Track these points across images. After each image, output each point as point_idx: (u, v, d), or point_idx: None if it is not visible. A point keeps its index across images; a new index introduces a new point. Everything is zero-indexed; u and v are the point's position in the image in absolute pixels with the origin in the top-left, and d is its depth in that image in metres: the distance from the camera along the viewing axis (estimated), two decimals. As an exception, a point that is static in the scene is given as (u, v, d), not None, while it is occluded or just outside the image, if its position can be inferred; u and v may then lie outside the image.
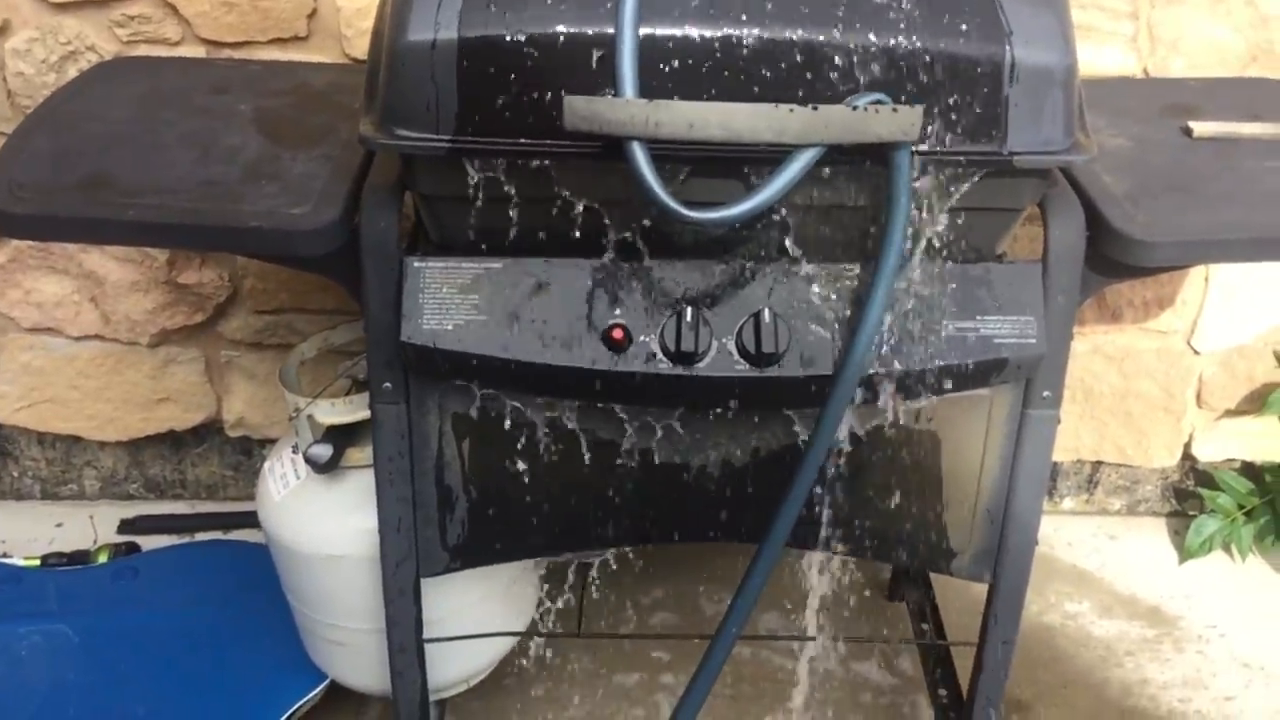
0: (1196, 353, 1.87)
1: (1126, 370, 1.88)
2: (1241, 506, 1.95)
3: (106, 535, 1.92)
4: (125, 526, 1.94)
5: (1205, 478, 2.00)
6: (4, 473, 2.00)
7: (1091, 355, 1.87)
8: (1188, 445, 1.97)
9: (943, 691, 1.62)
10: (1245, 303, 1.83)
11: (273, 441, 1.94)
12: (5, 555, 1.86)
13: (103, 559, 1.82)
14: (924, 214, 1.13)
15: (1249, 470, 1.99)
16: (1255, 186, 1.25)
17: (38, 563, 1.82)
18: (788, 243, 1.15)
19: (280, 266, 1.73)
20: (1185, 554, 1.95)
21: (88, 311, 1.81)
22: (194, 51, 1.61)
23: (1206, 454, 1.98)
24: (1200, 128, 1.35)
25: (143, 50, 1.61)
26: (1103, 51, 1.63)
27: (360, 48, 1.61)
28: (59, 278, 1.78)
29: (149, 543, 1.89)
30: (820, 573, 1.53)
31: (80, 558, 1.83)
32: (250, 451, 1.98)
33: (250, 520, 1.92)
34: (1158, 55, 1.64)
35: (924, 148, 1.07)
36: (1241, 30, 1.63)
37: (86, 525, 1.95)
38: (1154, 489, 2.05)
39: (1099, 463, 2.01)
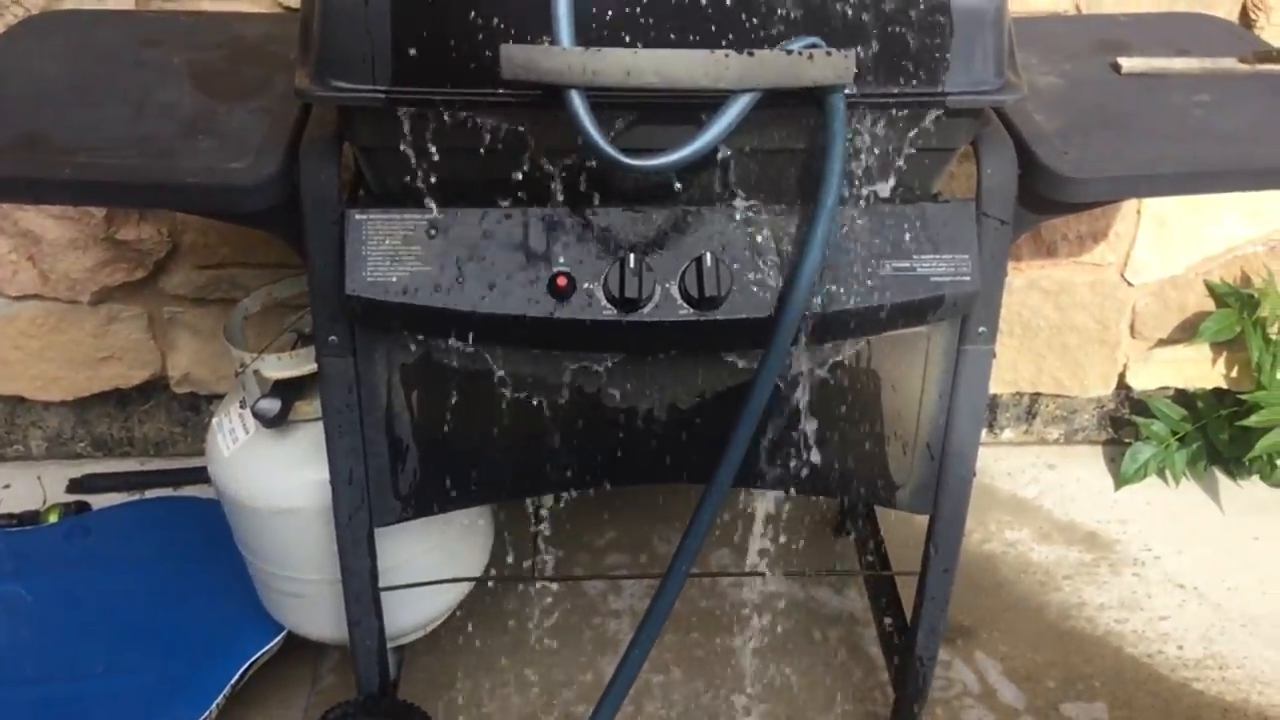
0: (1130, 285, 1.92)
1: (1062, 304, 1.93)
2: (1175, 433, 2.01)
3: (56, 495, 1.92)
4: (74, 486, 1.93)
5: (1140, 406, 2.06)
6: (-53, 436, 1.98)
7: (1028, 290, 1.91)
8: (1122, 375, 2.03)
9: (888, 620, 1.67)
10: (1177, 234, 1.87)
11: (220, 397, 1.93)
12: (-48, 520, 1.85)
13: (53, 519, 1.82)
14: (861, 155, 1.15)
15: (1182, 398, 2.05)
16: (1182, 121, 1.28)
17: (-13, 525, 1.82)
18: (730, 188, 1.17)
19: (221, 222, 1.73)
20: (1121, 480, 2.01)
21: (25, 270, 1.78)
22: (123, 4, 1.58)
23: (1141, 383, 2.03)
24: (1129, 64, 1.37)
25: (70, 4, 1.58)
26: (1034, -11, 1.65)
27: (295, -4, 1.60)
28: (-5, 237, 1.76)
29: (99, 501, 1.89)
30: (768, 509, 1.57)
31: (30, 518, 1.83)
32: (198, 407, 1.98)
33: (201, 476, 1.92)
34: (1090, -9, 1.67)
35: (860, 90, 1.09)
36: (1171, -34, 1.66)
37: (35, 486, 1.94)
38: (1091, 418, 2.10)
39: (1037, 394, 2.06)
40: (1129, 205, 1.84)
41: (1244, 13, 1.70)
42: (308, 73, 1.10)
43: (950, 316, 1.26)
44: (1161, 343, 1.99)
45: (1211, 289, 1.92)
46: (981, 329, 1.28)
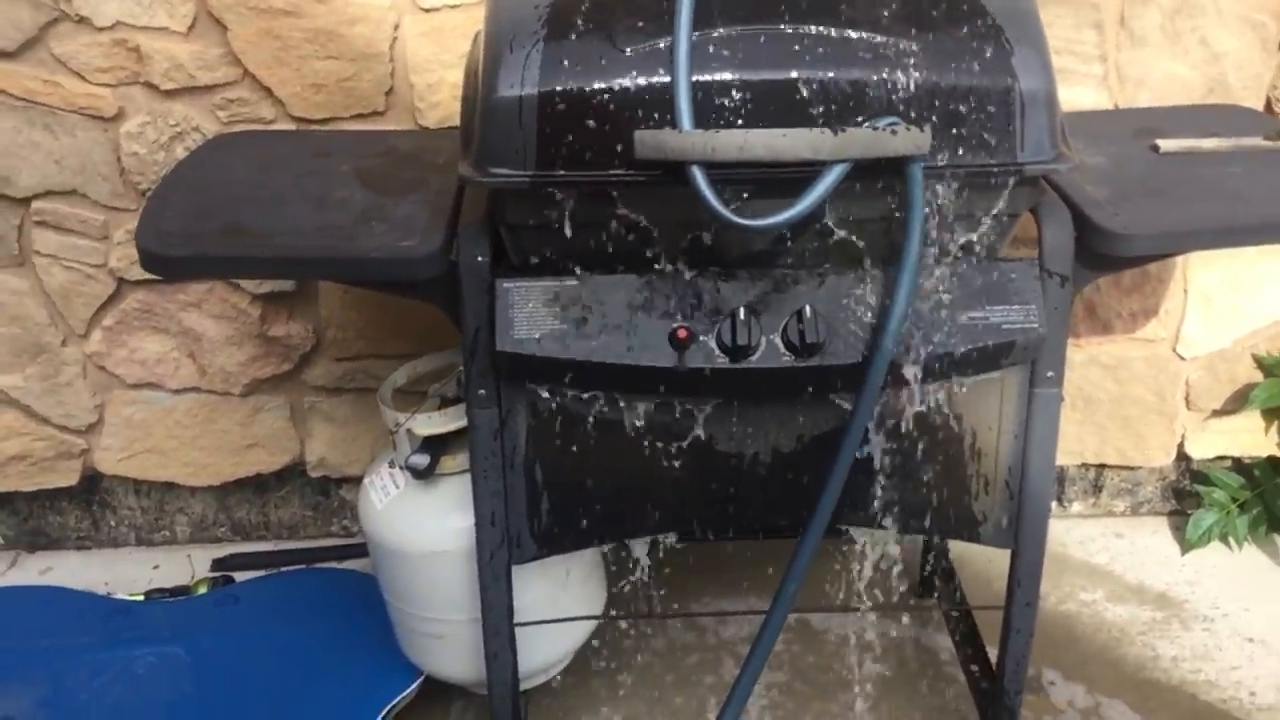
0: (1182, 358, 2.08)
1: (1120, 377, 2.09)
2: (1235, 500, 2.13)
3: (201, 573, 2.10)
4: (218, 564, 2.12)
5: (1200, 476, 2.19)
6: (102, 523, 2.18)
7: (1088, 365, 2.08)
8: (1181, 445, 2.17)
9: (974, 668, 1.79)
10: (1221, 310, 2.04)
11: (350, 480, 2.14)
12: (112, 594, 2.03)
13: (202, 590, 2.00)
14: (940, 219, 1.34)
15: (1239, 467, 2.18)
16: (1216, 188, 1.47)
17: (142, 597, 2.00)
18: (827, 251, 1.36)
19: (362, 314, 1.95)
20: (1187, 546, 2.14)
21: (186, 366, 2.01)
22: (285, 127, 1.84)
23: (1199, 452, 2.17)
24: (1166, 144, 1.57)
25: (241, 129, 1.83)
26: (1077, 91, 1.86)
27: (431, 118, 1.84)
28: (161, 336, 1.99)
29: (241, 578, 2.07)
30: (862, 559, 1.71)
31: (181, 591, 2.01)
32: (328, 492, 2.17)
33: (331, 554, 2.13)
34: (1126, 91, 1.88)
35: (938, 162, 1.29)
36: (1198, 67, 1.86)
37: (182, 565, 2.13)
38: (1154, 490, 2.24)
39: (1102, 466, 2.20)
40: (1176, 284, 2.02)
41: (1268, 105, 1.90)
42: (470, 163, 1.33)
43: (1021, 361, 1.43)
44: (1216, 413, 2.13)
45: (1259, 360, 2.08)
46: (1050, 373, 1.45)
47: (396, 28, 1.79)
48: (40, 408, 2.04)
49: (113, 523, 2.18)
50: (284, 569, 2.09)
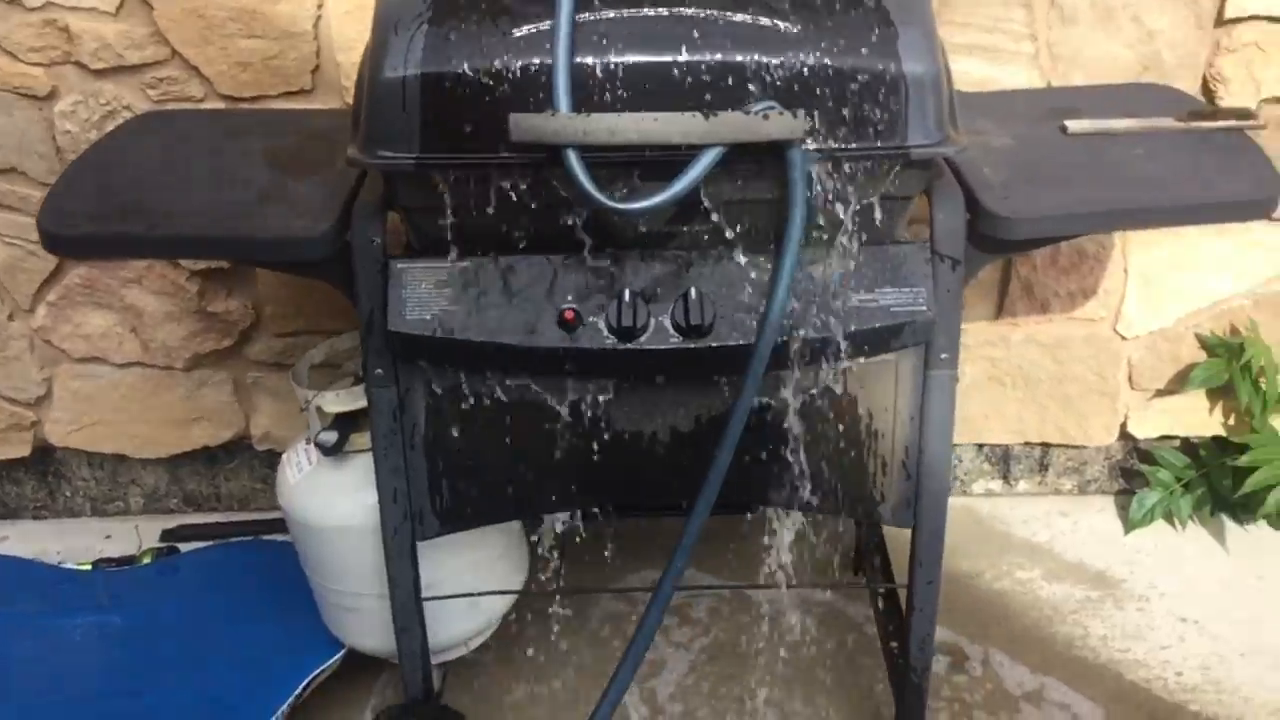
0: (1123, 338, 2.06)
1: (1060, 357, 2.08)
2: (1179, 479, 2.12)
3: (150, 544, 2.14)
4: (166, 535, 2.16)
5: (1146, 455, 2.18)
6: (58, 493, 2.23)
7: (1026, 344, 2.07)
8: (1125, 425, 2.15)
9: (894, 644, 1.80)
10: (1163, 290, 2.02)
11: (296, 453, 2.17)
12: (62, 563, 2.08)
13: (147, 560, 2.04)
14: (827, 202, 1.34)
15: (1186, 446, 2.16)
16: (1117, 172, 1.46)
17: (89, 567, 2.05)
18: (713, 234, 1.36)
19: (299, 291, 1.98)
20: (1129, 525, 2.13)
21: (129, 341, 2.05)
22: (215, 106, 1.86)
23: (1143, 432, 2.16)
24: (1075, 125, 1.55)
25: (170, 107, 1.86)
26: (1009, 70, 1.84)
27: (358, 96, 1.85)
28: (104, 312, 2.02)
29: (187, 548, 2.11)
30: (785, 535, 1.72)
31: (127, 561, 2.06)
32: (276, 465, 2.19)
33: (278, 527, 2.15)
34: (1059, 71, 1.85)
35: (819, 146, 1.29)
36: (1131, 45, 1.84)
37: (132, 535, 2.17)
38: (1101, 469, 2.23)
39: (1047, 445, 2.19)
40: (1115, 264, 2.00)
41: (1205, 85, 1.87)
42: (358, 144, 1.34)
43: (912, 343, 1.43)
44: (1159, 393, 2.12)
45: (1201, 340, 2.06)
46: (944, 355, 1.45)
47: (320, 6, 1.80)
48: (-10, 381, 2.09)
49: (68, 493, 2.23)
50: (230, 540, 2.12)
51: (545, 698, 1.82)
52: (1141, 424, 2.15)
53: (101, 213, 1.42)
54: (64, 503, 2.24)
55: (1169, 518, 2.14)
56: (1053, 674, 1.86)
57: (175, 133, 1.64)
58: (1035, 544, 2.14)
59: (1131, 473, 2.22)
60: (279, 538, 2.12)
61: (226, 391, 2.11)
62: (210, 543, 2.12)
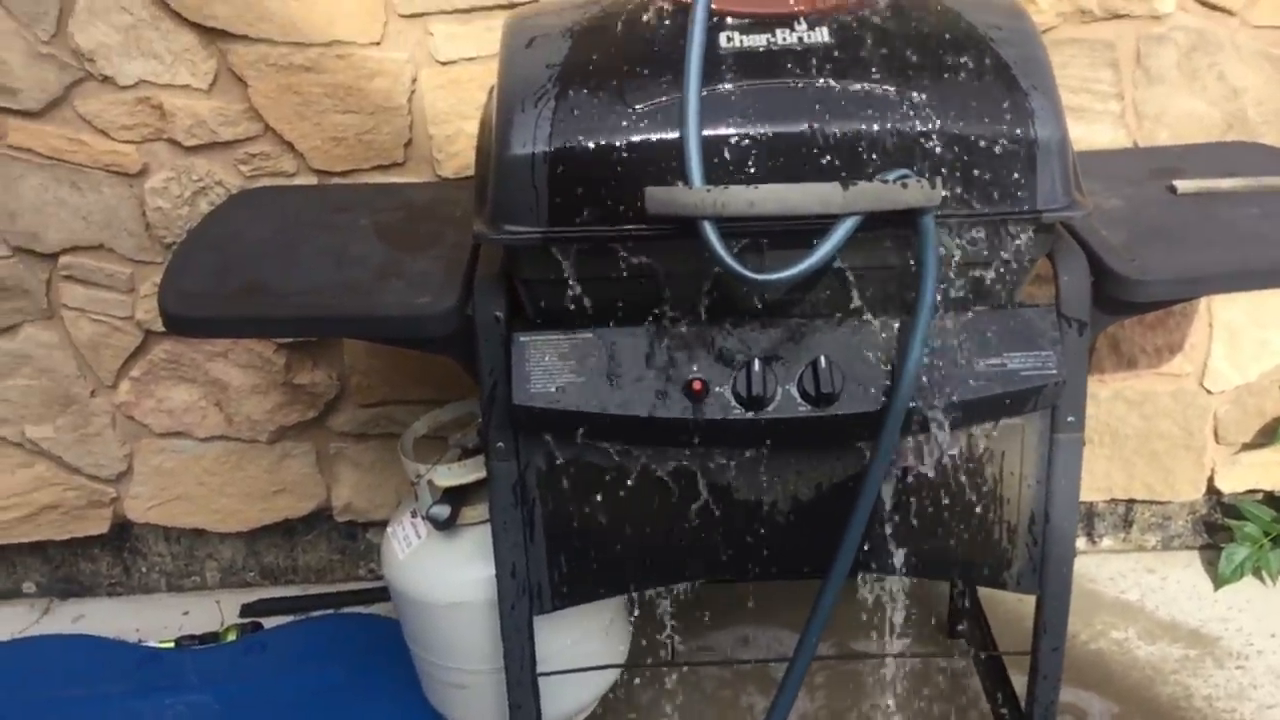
0: (1209, 392, 2.06)
1: (1147, 412, 2.07)
2: (1267, 534, 2.10)
3: (230, 619, 2.12)
4: (247, 610, 2.13)
5: (1231, 509, 2.16)
6: (134, 569, 2.21)
7: (1114, 401, 2.06)
8: (1211, 479, 2.14)
9: (1004, 711, 1.77)
10: (1247, 344, 2.02)
11: (376, 525, 2.16)
12: (143, 641, 2.05)
13: (231, 637, 2.02)
14: (954, 268, 1.34)
15: (1271, 499, 2.15)
16: (1233, 230, 1.46)
17: (173, 644, 2.02)
18: (841, 301, 1.36)
19: (385, 361, 1.97)
20: (1219, 581, 2.11)
21: (213, 414, 2.04)
22: (307, 180, 1.87)
23: (1229, 486, 2.15)
24: (1184, 185, 1.56)
25: (263, 182, 1.86)
26: (1095, 129, 1.86)
27: (449, 168, 1.86)
28: (188, 385, 2.01)
29: (269, 623, 2.09)
30: (887, 601, 1.70)
31: (210, 638, 2.03)
32: (355, 535, 2.19)
33: (358, 598, 2.14)
34: (1144, 129, 1.87)
35: (950, 211, 1.29)
36: (1216, 103, 1.85)
37: (212, 611, 2.15)
38: (1185, 524, 2.21)
39: (1132, 501, 2.17)
40: (1201, 319, 2.00)
41: (1290, 140, 1.89)
42: (484, 220, 1.34)
43: (1041, 407, 1.42)
44: (1246, 447, 2.11)
45: (1287, 394, 2.06)
46: (1070, 418, 1.44)
47: (414, 81, 1.81)
48: (71, 458, 2.07)
49: (144, 569, 2.21)
50: (311, 614, 2.10)
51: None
52: (1228, 478, 2.14)
53: (222, 292, 1.42)
54: (139, 579, 2.21)
55: (1258, 572, 2.12)
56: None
57: (281, 209, 1.64)
58: (1126, 602, 2.12)
59: (1215, 527, 2.21)
60: (360, 610, 2.11)
61: (309, 463, 2.09)
62: (292, 617, 2.10)
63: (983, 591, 1.96)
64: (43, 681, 1.92)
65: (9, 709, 1.85)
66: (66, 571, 2.20)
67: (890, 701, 1.85)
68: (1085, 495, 2.15)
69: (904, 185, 1.24)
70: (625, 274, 1.33)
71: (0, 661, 1.99)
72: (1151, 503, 2.18)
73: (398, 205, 1.65)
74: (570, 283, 1.34)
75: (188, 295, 1.41)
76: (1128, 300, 1.39)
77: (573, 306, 1.38)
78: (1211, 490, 2.16)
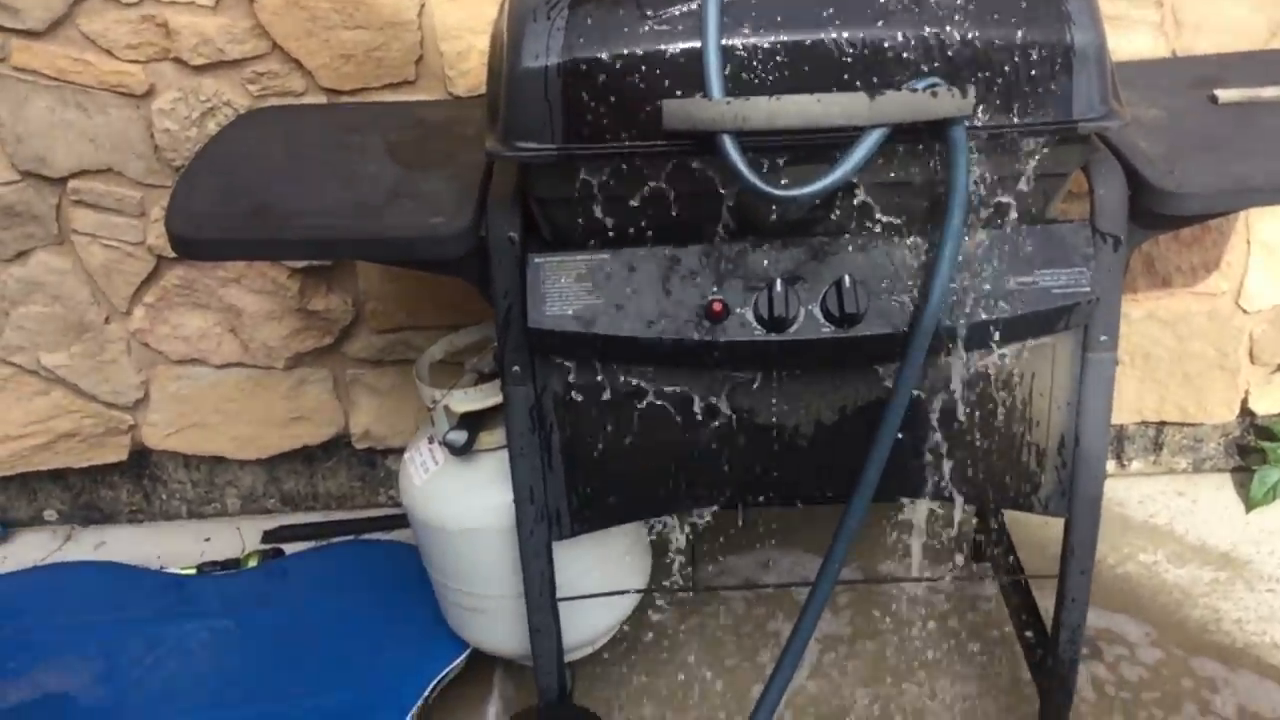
0: (1245, 312, 2.00)
1: (1180, 333, 2.02)
2: (1302, 456, 2.07)
3: (252, 545, 2.11)
4: (268, 536, 2.13)
5: (1265, 431, 2.12)
6: (154, 497, 2.20)
7: (1147, 321, 2.01)
8: (1245, 401, 2.09)
9: (1029, 634, 1.75)
10: (1287, 261, 1.96)
11: (395, 452, 2.14)
12: (164, 567, 2.05)
13: (253, 564, 2.02)
14: (985, 182, 1.29)
15: (1306, 421, 2.11)
16: (1276, 140, 1.40)
17: (194, 571, 2.02)
18: (866, 218, 1.31)
19: (400, 286, 1.94)
20: (1250, 504, 2.07)
21: (228, 341, 2.01)
22: (317, 100, 1.82)
23: (1264, 408, 2.10)
24: (1225, 95, 1.49)
25: (271, 102, 1.81)
26: (1131, 37, 1.78)
27: (461, 86, 1.81)
28: (202, 312, 1.99)
29: (290, 549, 2.08)
30: (910, 527, 1.67)
31: (232, 564, 2.03)
32: (374, 463, 2.17)
33: (379, 525, 2.13)
34: (1183, 38, 1.79)
35: (982, 123, 1.23)
36: (1261, 8, 1.77)
37: (233, 538, 2.15)
38: (1217, 446, 2.17)
39: (1163, 424, 2.13)
40: (1239, 236, 1.94)
41: (1336, 47, 1.81)
42: (497, 137, 1.29)
43: (1073, 325, 1.37)
44: (1281, 368, 2.06)
45: (1326, 312, 2.00)
46: (1103, 337, 1.40)
47: (424, -6, 1.76)
48: (87, 385, 2.06)
49: (164, 496, 2.20)
50: (332, 540, 2.09)
51: (673, 695, 1.78)
52: (1262, 400, 2.09)
53: (231, 215, 1.38)
54: (160, 506, 2.21)
55: (1291, 495, 2.09)
56: (1194, 658, 1.81)
57: (290, 128, 1.60)
58: (1155, 525, 2.09)
59: (1248, 449, 2.16)
60: (381, 536, 2.10)
61: (326, 390, 2.07)
62: (313, 544, 2.09)
63: (1009, 517, 1.94)
64: (66, 607, 1.93)
65: (33, 635, 1.86)
66: (87, 499, 2.20)
67: (916, 626, 1.83)
68: (1115, 418, 2.09)
69: (934, 94, 1.19)
70: (643, 192, 1.28)
71: (23, 588, 2.00)
72: (1183, 425, 2.14)
73: (409, 124, 1.60)
74: (586, 202, 1.30)
75: (195, 217, 1.37)
76: (1166, 214, 1.34)
77: (588, 227, 1.33)
78: (1245, 412, 2.11)
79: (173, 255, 1.93)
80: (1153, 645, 1.83)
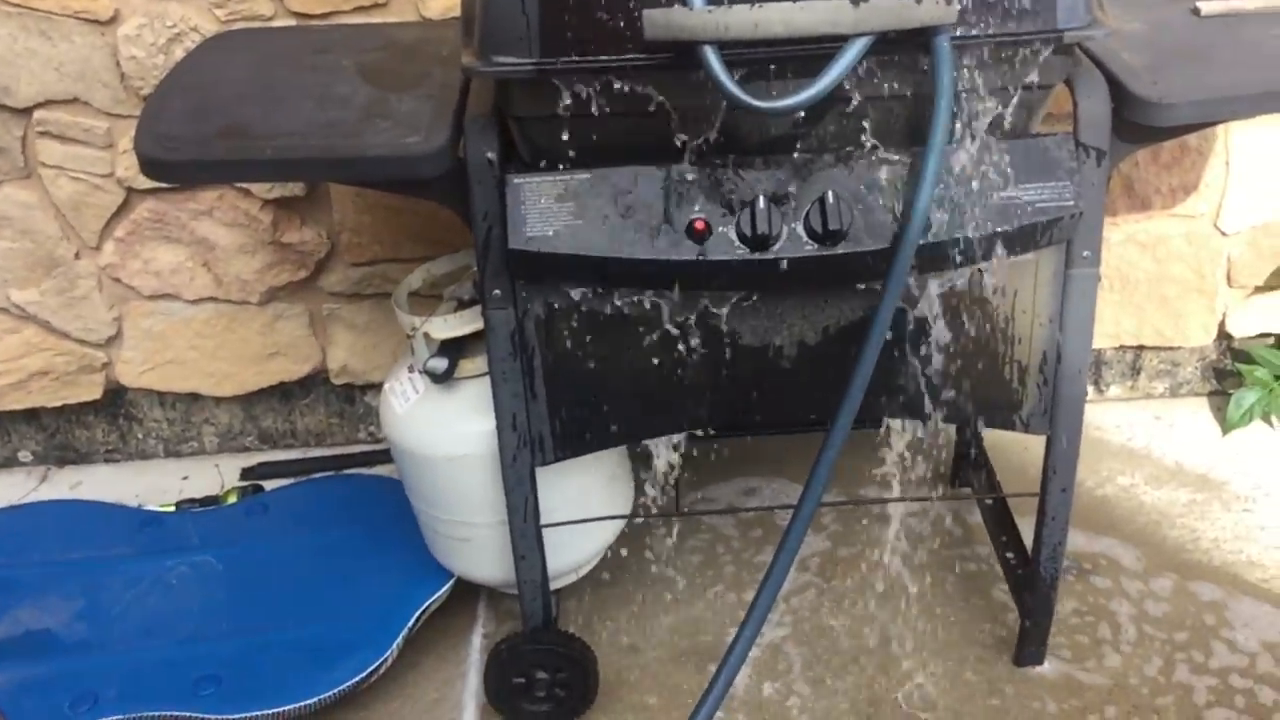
0: (1223, 234, 2.01)
1: (1159, 255, 2.02)
2: (1278, 377, 2.08)
3: (230, 483, 2.10)
4: (246, 473, 2.12)
5: (1242, 355, 2.13)
6: (130, 435, 2.18)
7: (1125, 244, 2.01)
8: (1222, 324, 2.10)
9: (1009, 555, 1.76)
10: (1265, 182, 1.96)
11: (374, 387, 2.13)
12: (143, 505, 2.03)
13: (232, 500, 2.00)
14: (968, 95, 1.27)
15: (1282, 343, 2.12)
16: (1258, 52, 1.40)
17: (173, 508, 2.00)
18: (848, 134, 1.30)
19: (376, 217, 1.91)
20: (1227, 426, 2.09)
21: (201, 275, 1.98)
22: (286, 24, 1.78)
23: (1241, 330, 2.11)
24: (1207, 6, 1.49)
25: (239, 26, 1.77)
26: (1113, -46, 1.76)
27: (434, 8, 1.78)
28: (174, 246, 1.95)
29: (270, 486, 2.07)
30: (891, 450, 1.67)
31: (211, 501, 2.02)
32: (353, 399, 2.15)
33: (358, 460, 2.12)
34: (1167, -47, 1.77)
35: (966, 33, 1.22)
36: (1242, -76, 1.75)
37: (212, 476, 2.13)
38: (1194, 370, 2.18)
39: (1140, 348, 2.14)
40: (1217, 157, 1.94)
41: (1318, -36, 1.79)
42: (473, 52, 1.27)
43: (1055, 241, 1.37)
44: (1258, 290, 2.07)
45: (1304, 232, 2.00)
46: (1086, 253, 1.40)
47: (395, -87, 1.72)
48: (59, 322, 2.02)
49: (140, 435, 2.18)
50: (312, 476, 2.08)
51: (657, 619, 1.79)
52: (1239, 322, 2.10)
53: (202, 136, 1.35)
54: (136, 445, 2.19)
55: (1267, 417, 2.10)
56: (1167, 577, 1.83)
57: (260, 51, 1.56)
58: (1132, 449, 2.10)
59: (1225, 373, 2.18)
60: (362, 471, 2.09)
61: (302, 325, 2.05)
62: (293, 479, 2.08)
63: (987, 441, 1.95)
64: (44, 546, 1.90)
65: (11, 573, 1.84)
66: (63, 439, 2.17)
67: (896, 545, 1.84)
68: (1094, 342, 2.12)
69: (918, 1, 1.17)
70: (623, 108, 1.26)
71: (0, 528, 1.97)
72: (1160, 349, 2.15)
73: (381, 45, 1.57)
74: (565, 119, 1.28)
75: (165, 139, 1.34)
76: (1149, 125, 1.33)
77: (568, 146, 1.31)
78: (1222, 335, 2.12)
79: (143, 188, 1.90)
80: (1130, 567, 1.86)
